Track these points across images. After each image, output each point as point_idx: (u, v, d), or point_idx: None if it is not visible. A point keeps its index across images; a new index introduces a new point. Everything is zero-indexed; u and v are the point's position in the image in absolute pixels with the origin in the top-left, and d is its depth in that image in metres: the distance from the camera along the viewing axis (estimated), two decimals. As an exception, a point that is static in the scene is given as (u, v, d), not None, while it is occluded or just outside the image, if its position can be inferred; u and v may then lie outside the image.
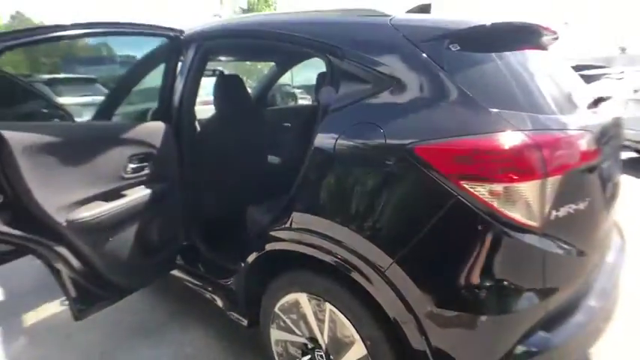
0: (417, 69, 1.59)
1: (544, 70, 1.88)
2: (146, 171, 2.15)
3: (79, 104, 8.05)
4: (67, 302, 3.01)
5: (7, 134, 1.61)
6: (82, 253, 1.90)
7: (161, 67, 2.65)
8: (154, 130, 2.22)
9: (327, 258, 1.68)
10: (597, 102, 2.03)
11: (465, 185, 1.37)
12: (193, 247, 2.49)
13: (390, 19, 1.76)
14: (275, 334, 2.03)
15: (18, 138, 1.65)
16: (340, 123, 1.70)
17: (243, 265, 2.11)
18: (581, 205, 1.54)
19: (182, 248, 2.48)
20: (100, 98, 9.09)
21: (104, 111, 3.02)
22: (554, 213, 1.43)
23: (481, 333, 1.44)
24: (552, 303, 1.51)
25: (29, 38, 1.82)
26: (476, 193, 1.37)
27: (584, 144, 1.55)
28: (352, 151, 1.64)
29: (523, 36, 1.86)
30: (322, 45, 1.87)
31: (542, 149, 1.38)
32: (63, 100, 8.56)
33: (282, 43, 2.12)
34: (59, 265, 1.92)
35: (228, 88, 2.94)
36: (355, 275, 1.60)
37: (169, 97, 2.42)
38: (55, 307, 3.14)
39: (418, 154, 1.44)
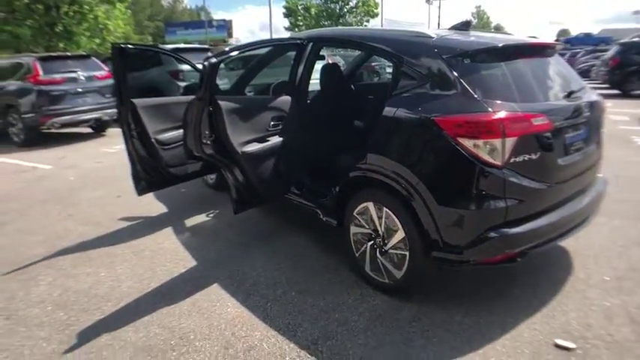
0: (442, 73, 2.82)
1: (534, 72, 3.05)
2: (279, 127, 3.51)
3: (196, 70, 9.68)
4: (211, 214, 4.58)
5: (221, 102, 3.04)
6: (245, 171, 3.30)
7: (280, 59, 4.16)
8: (285, 101, 3.58)
9: (386, 180, 2.95)
10: (573, 93, 3.11)
11: (459, 140, 2.59)
12: (303, 179, 3.84)
13: (432, 40, 3.01)
14: (353, 230, 3.33)
15: (223, 104, 3.08)
16: (398, 102, 2.97)
17: (335, 189, 3.44)
18: (535, 156, 2.69)
19: (296, 180, 3.84)
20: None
21: (240, 83, 4.53)
22: (512, 158, 2.60)
23: (465, 221, 2.67)
24: (514, 210, 2.67)
25: (231, 53, 3.26)
26: (465, 144, 2.58)
27: (535, 120, 2.68)
28: (403, 118, 2.91)
29: (518, 50, 3.01)
30: (391, 54, 3.14)
31: (503, 122, 2.56)
32: (184, 66, 10.29)
33: (366, 49, 3.42)
34: (230, 177, 3.33)
35: (329, 73, 4.26)
36: (402, 190, 2.85)
37: (294, 79, 3.77)
38: (204, 217, 4.74)
39: (436, 122, 2.66)
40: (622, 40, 16.32)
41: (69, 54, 11.72)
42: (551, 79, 3.17)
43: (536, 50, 3.25)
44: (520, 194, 2.69)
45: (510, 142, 2.58)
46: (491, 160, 2.57)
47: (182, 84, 9.73)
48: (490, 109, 2.59)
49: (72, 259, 3.85)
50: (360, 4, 40.50)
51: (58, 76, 9.03)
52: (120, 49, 3.67)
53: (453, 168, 2.70)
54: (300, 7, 41.13)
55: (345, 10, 40.98)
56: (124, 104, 3.81)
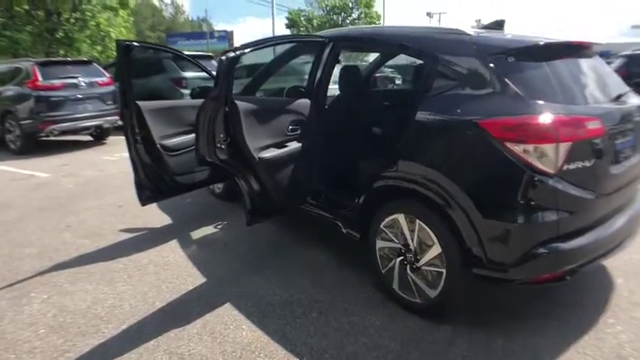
0: (484, 73, 2.55)
1: (576, 73, 2.79)
2: (298, 131, 3.23)
3: (199, 77, 9.48)
4: (219, 226, 4.28)
5: (238, 102, 2.76)
6: (260, 179, 3.02)
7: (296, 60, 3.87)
8: (304, 104, 3.30)
9: (420, 189, 2.65)
10: (619, 96, 2.85)
11: (508, 145, 2.31)
12: (321, 189, 3.54)
13: (470, 37, 2.74)
14: (379, 244, 3.03)
15: (241, 105, 2.80)
16: (434, 104, 2.69)
17: (358, 199, 3.14)
18: (588, 163, 2.41)
19: (315, 189, 3.54)
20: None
21: (252, 86, 4.25)
22: (565, 165, 2.32)
23: (513, 235, 2.37)
24: (565, 223, 2.39)
25: (254, 47, 2.99)
26: (514, 150, 2.30)
27: (589, 125, 2.41)
28: (440, 123, 2.64)
29: (560, 50, 2.74)
30: (425, 53, 2.90)
31: (555, 126, 2.29)
32: (187, 74, 10.04)
33: (394, 48, 3.15)
34: (244, 185, 3.04)
35: (348, 75, 3.98)
36: (439, 200, 2.55)
37: (313, 81, 3.49)
38: (212, 229, 4.41)
39: (480, 125, 2.38)
40: (627, 52, 16.08)
41: (69, 59, 11.45)
42: (597, 81, 2.90)
43: (579, 50, 2.96)
44: (572, 206, 2.42)
45: (564, 147, 2.31)
46: (543, 168, 2.30)
47: (186, 92, 9.49)
48: (542, 112, 2.32)
49: (69, 274, 3.53)
50: (363, 15, 40.53)
51: (57, 82, 8.72)
52: (126, 46, 3.40)
53: (499, 176, 2.41)
54: (302, 19, 41.14)
55: (348, 21, 40.95)
56: (128, 106, 3.53)
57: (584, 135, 2.41)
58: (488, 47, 2.62)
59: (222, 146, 2.82)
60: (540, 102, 2.38)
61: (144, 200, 3.76)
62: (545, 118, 2.30)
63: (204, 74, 7.34)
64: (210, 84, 5.23)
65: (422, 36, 3.06)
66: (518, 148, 2.29)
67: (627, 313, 2.84)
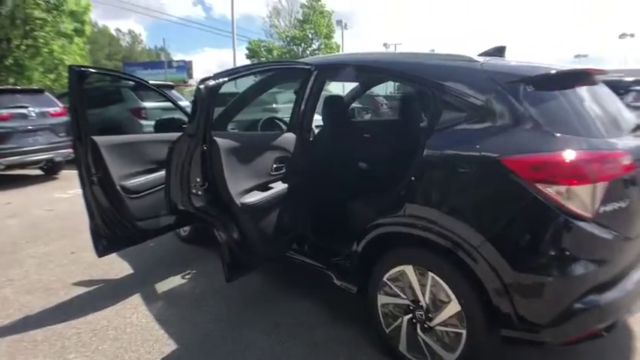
0: (502, 103, 2.23)
1: (595, 102, 2.51)
2: (283, 170, 2.83)
3: (159, 108, 9.03)
4: (188, 276, 3.79)
5: (218, 140, 2.35)
6: (242, 227, 2.59)
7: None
8: (289, 139, 2.92)
9: (434, 237, 2.28)
10: (637, 128, 2.61)
11: (538, 186, 1.99)
12: (308, 235, 3.14)
13: (481, 64, 2.42)
14: (382, 299, 2.63)
15: (222, 142, 2.38)
16: (444, 139, 2.35)
17: (356, 246, 2.74)
18: (623, 204, 2.12)
19: (299, 235, 3.13)
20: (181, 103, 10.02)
21: (223, 117, 3.82)
22: (602, 208, 2.02)
23: (549, 290, 2.03)
24: (602, 273, 2.08)
25: (236, 74, 2.62)
26: (546, 191, 1.98)
27: (623, 160, 2.13)
28: (455, 160, 2.29)
29: (578, 78, 2.43)
30: (430, 82, 2.54)
31: (591, 163, 2.00)
32: (146, 104, 9.50)
33: (391, 77, 2.81)
34: (223, 235, 2.60)
35: (331, 106, 3.62)
36: (458, 251, 2.19)
37: (297, 112, 3.11)
38: (180, 280, 3.88)
39: (504, 163, 2.05)
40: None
41: (19, 88, 10.77)
42: (613, 111, 2.62)
43: (592, 78, 2.69)
44: (608, 253, 2.12)
45: (601, 187, 2.02)
46: (579, 211, 1.99)
47: (145, 122, 8.96)
48: (572, 147, 2.02)
49: (9, 343, 2.94)
50: (323, 46, 40.89)
51: (4, 112, 8.05)
52: (79, 72, 2.95)
53: (530, 222, 2.07)
54: (262, 49, 41.13)
55: (308, 52, 41.14)
56: (82, 142, 3.06)
57: (619, 172, 2.13)
58: (503, 75, 2.31)
59: (199, 192, 2.39)
60: (568, 136, 2.08)
61: (101, 251, 3.27)
62: (579, 154, 2.00)
63: (166, 104, 6.67)
64: (175, 114, 4.86)
65: (426, 63, 2.70)
66: (550, 190, 1.98)
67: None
